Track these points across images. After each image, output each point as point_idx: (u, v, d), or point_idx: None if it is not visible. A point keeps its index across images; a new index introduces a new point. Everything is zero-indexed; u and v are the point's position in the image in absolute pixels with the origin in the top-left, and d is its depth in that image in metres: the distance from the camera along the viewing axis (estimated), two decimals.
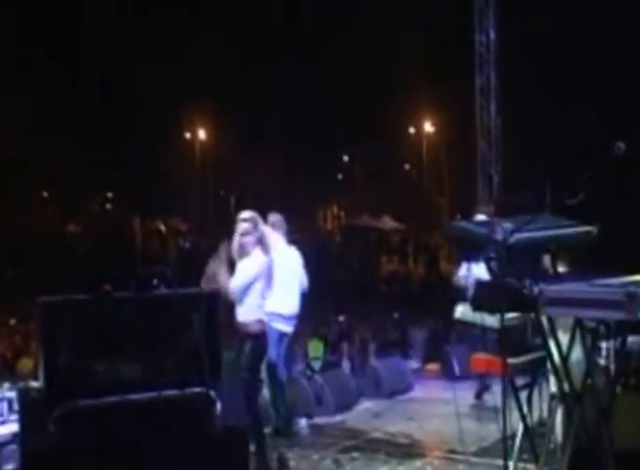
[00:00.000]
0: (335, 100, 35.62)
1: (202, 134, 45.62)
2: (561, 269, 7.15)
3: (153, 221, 34.86)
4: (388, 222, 35.05)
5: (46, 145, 37.73)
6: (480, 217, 10.21)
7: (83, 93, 37.14)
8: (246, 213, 7.67)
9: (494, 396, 8.09)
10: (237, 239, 7.54)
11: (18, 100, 35.57)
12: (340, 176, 46.24)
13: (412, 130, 42.39)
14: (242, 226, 7.55)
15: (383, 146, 37.32)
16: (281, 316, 8.88)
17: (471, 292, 7.96)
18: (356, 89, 34.89)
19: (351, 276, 23.70)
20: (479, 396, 9.97)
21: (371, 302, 17.48)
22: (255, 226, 7.58)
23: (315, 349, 13.02)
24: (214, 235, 33.53)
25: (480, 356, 8.18)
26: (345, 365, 11.67)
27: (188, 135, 45.76)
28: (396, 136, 39.38)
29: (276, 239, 8.83)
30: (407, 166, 45.39)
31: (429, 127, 41.41)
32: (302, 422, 9.56)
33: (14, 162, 38.05)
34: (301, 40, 35.53)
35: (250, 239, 7.50)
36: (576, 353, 6.74)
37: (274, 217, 9.12)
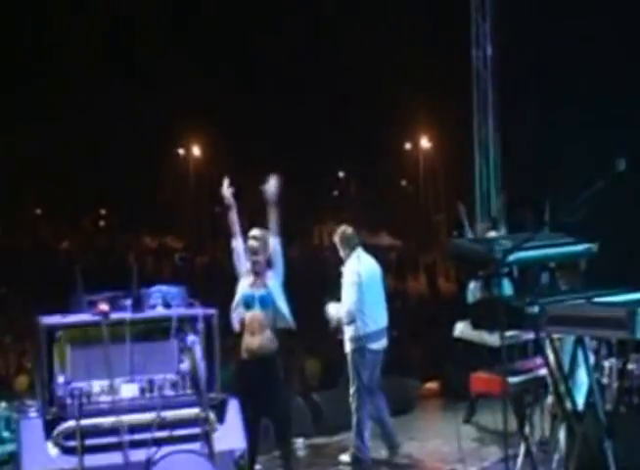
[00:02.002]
0: (330, 116, 35.62)
1: (195, 150, 45.56)
2: (563, 287, 7.09)
3: (147, 238, 34.80)
4: (385, 239, 35.02)
5: (39, 162, 37.71)
6: (491, 234, 10.17)
7: (75, 110, 37.07)
8: (256, 231, 7.58)
9: (495, 416, 8.03)
10: (247, 256, 7.49)
11: (12, 117, 35.58)
12: (335, 193, 46.21)
13: (408, 146, 42.38)
14: (251, 245, 7.49)
15: (379, 162, 37.33)
16: (375, 333, 8.71)
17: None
18: (352, 105, 34.90)
19: None
20: (467, 420, 9.83)
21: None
22: (265, 245, 7.50)
23: (312, 367, 12.96)
24: (210, 252, 33.58)
25: (480, 376, 8.11)
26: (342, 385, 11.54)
27: (181, 151, 45.72)
28: (392, 152, 39.39)
29: (359, 254, 8.71)
30: (404, 183, 45.36)
31: (425, 143, 41.38)
32: (300, 442, 9.47)
33: (6, 179, 38.03)
34: (296, 56, 35.59)
35: (260, 258, 7.44)
36: (578, 372, 6.70)
37: (345, 230, 8.86)
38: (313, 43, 34.92)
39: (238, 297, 7.36)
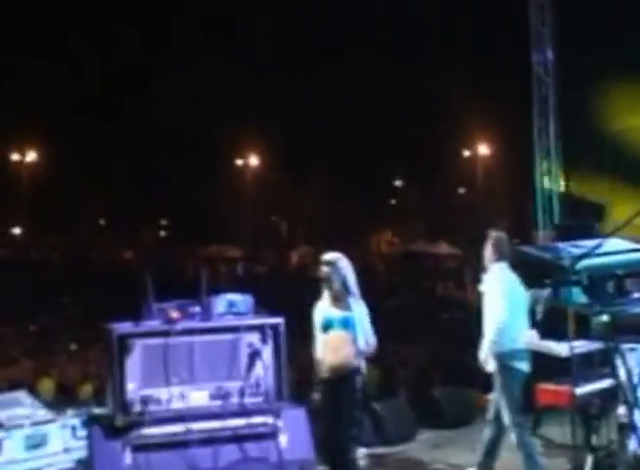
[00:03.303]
0: (389, 125, 35.58)
1: (253, 161, 45.94)
2: (636, 295, 6.96)
3: (206, 248, 35.08)
4: (444, 248, 34.78)
5: (101, 175, 38.45)
6: (555, 242, 9.93)
7: (135, 122, 37.64)
8: (328, 256, 7.44)
9: (563, 427, 7.90)
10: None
11: (71, 131, 36.33)
12: (393, 202, 46.07)
13: (467, 153, 42.09)
14: (323, 270, 7.45)
15: (437, 170, 37.17)
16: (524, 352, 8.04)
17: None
18: (410, 113, 34.80)
19: (405, 302, 23.51)
20: (533, 432, 9.53)
21: (427, 328, 17.28)
22: (336, 271, 7.45)
23: (371, 375, 12.87)
24: (268, 261, 33.74)
25: (547, 387, 7.94)
26: (402, 394, 11.44)
27: (240, 162, 46.13)
28: (450, 160, 39.19)
29: (499, 267, 8.07)
30: (462, 190, 45.07)
31: (484, 150, 41.04)
32: (361, 452, 9.40)
33: (71, 192, 38.92)
34: (350, 64, 35.62)
35: (334, 285, 7.32)
36: None
37: (496, 235, 8.24)
38: (368, 54, 34.92)
39: (318, 320, 7.32)
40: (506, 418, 7.97)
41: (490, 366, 8.01)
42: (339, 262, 7.38)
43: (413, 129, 34.72)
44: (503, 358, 7.89)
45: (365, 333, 7.32)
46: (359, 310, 7.35)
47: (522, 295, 8.00)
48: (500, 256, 8.07)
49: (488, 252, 8.13)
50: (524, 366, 7.99)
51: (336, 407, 6.98)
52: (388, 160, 38.06)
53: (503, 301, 7.85)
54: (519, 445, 7.98)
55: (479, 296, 8.27)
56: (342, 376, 7.14)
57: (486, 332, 7.94)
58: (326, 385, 7.13)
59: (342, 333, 7.22)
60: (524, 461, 7.97)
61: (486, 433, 8.20)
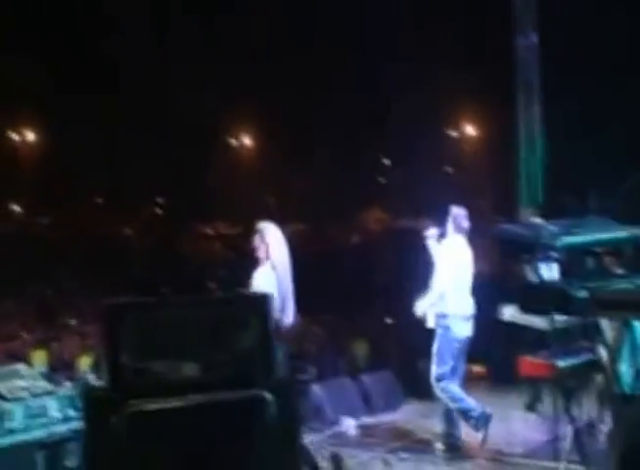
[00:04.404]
0: (375, 104, 35.68)
1: (246, 140, 46.34)
2: (619, 271, 7.19)
3: (202, 225, 35.16)
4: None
5: (98, 153, 38.57)
6: (536, 220, 10.24)
7: (131, 100, 37.68)
8: (257, 225, 7.84)
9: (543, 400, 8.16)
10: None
11: (70, 111, 36.39)
12: (382, 180, 46.24)
13: (454, 133, 42.39)
14: (254, 239, 7.74)
15: (424, 150, 37.29)
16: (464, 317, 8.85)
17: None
18: (396, 92, 34.88)
19: (394, 278, 23.69)
20: (531, 407, 9.83)
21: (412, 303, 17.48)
22: (262, 239, 7.71)
23: (360, 348, 13.12)
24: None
25: (529, 359, 8.20)
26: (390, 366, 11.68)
27: (233, 141, 46.47)
28: (436, 140, 39.33)
29: (454, 239, 8.93)
30: (449, 169, 45.30)
31: (470, 130, 41.38)
32: (350, 422, 9.65)
33: (69, 171, 39.02)
34: (344, 45, 35.61)
35: (259, 252, 7.68)
36: (625, 355, 6.78)
37: (455, 211, 9.07)
38: (358, 33, 34.92)
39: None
40: (432, 371, 8.71)
41: (430, 323, 8.80)
42: (264, 232, 7.68)
43: (400, 109, 34.83)
44: (444, 319, 8.69)
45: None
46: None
47: (468, 266, 8.89)
48: (457, 229, 8.95)
49: (449, 225, 8.99)
50: (462, 329, 8.75)
51: None
52: (377, 138, 38.19)
53: (450, 270, 8.73)
54: (444, 396, 8.70)
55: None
56: None
57: (430, 293, 8.74)
58: None
59: None
60: (455, 410, 8.66)
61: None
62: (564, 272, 7.22)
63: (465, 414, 8.64)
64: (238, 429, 5.43)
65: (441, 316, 8.75)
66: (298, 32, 36.48)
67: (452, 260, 8.78)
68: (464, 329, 8.79)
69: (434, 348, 8.76)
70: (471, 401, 8.70)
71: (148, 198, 44.63)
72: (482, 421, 8.58)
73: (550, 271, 7.28)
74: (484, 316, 8.95)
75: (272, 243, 7.66)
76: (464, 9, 28.78)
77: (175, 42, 37.33)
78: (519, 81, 14.24)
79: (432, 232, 9.15)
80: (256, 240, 7.70)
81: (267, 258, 7.62)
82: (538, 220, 10.11)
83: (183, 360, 5.39)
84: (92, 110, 37.19)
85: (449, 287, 8.69)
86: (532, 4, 13.93)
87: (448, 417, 8.74)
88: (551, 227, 7.41)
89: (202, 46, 36.79)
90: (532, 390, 9.70)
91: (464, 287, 8.84)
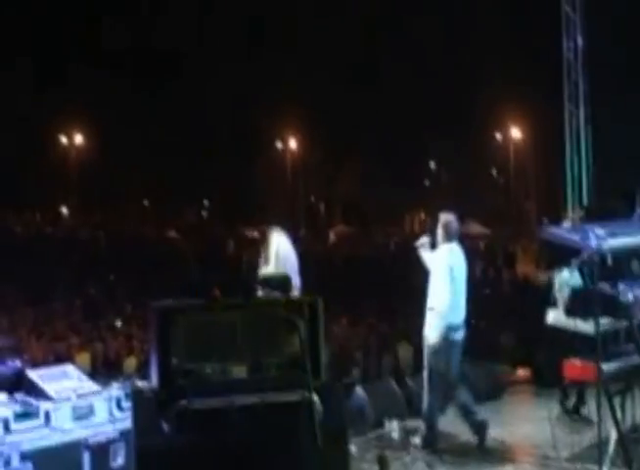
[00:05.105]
0: (422, 108, 35.69)
1: (292, 143, 46.63)
2: None
3: (247, 228, 35.45)
4: (475, 227, 34.84)
5: (145, 157, 39.12)
6: (582, 223, 10.21)
7: (177, 105, 38.08)
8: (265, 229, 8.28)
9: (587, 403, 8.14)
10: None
11: (116, 115, 36.93)
12: (426, 183, 46.20)
13: (499, 136, 42.21)
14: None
15: (469, 152, 37.24)
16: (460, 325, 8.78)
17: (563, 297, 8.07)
18: (443, 96, 34.86)
19: None
20: (576, 409, 9.83)
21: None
22: (263, 241, 8.11)
23: (404, 351, 13.17)
24: (306, 241, 34.03)
25: (574, 363, 8.19)
26: None
27: (279, 144, 46.76)
28: (483, 142, 39.24)
29: (447, 247, 8.73)
30: (494, 172, 45.15)
31: (516, 133, 41.17)
32: (394, 424, 9.68)
33: (116, 174, 39.62)
34: (384, 51, 35.74)
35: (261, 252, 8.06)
36: None
37: (444, 218, 8.88)
38: (403, 41, 34.96)
39: None
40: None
41: (431, 340, 8.69)
42: (266, 234, 8.19)
43: (447, 112, 34.81)
44: (446, 331, 8.58)
45: None
46: None
47: (463, 272, 8.77)
48: (448, 236, 8.75)
49: (439, 233, 8.76)
50: (458, 336, 8.70)
51: None
52: (423, 142, 38.24)
53: (448, 283, 8.55)
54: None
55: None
56: None
57: (432, 312, 8.61)
58: None
59: None
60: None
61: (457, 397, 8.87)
62: (610, 276, 7.20)
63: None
64: (284, 430, 5.51)
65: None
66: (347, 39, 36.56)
67: (446, 275, 8.60)
68: (459, 335, 8.79)
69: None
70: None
71: (193, 201, 45.05)
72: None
73: (594, 275, 7.27)
74: (530, 320, 8.95)
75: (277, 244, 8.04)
76: (512, 11, 28.71)
77: (218, 48, 37.62)
78: (565, 84, 14.21)
79: (422, 242, 8.92)
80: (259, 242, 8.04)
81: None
82: (584, 223, 10.09)
83: (231, 362, 5.49)
84: (140, 114, 37.70)
85: (448, 303, 8.60)
86: (580, 7, 13.90)
87: (464, 410, 8.83)
88: (597, 230, 7.39)
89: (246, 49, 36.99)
90: (577, 393, 9.69)
91: (459, 297, 8.75)
